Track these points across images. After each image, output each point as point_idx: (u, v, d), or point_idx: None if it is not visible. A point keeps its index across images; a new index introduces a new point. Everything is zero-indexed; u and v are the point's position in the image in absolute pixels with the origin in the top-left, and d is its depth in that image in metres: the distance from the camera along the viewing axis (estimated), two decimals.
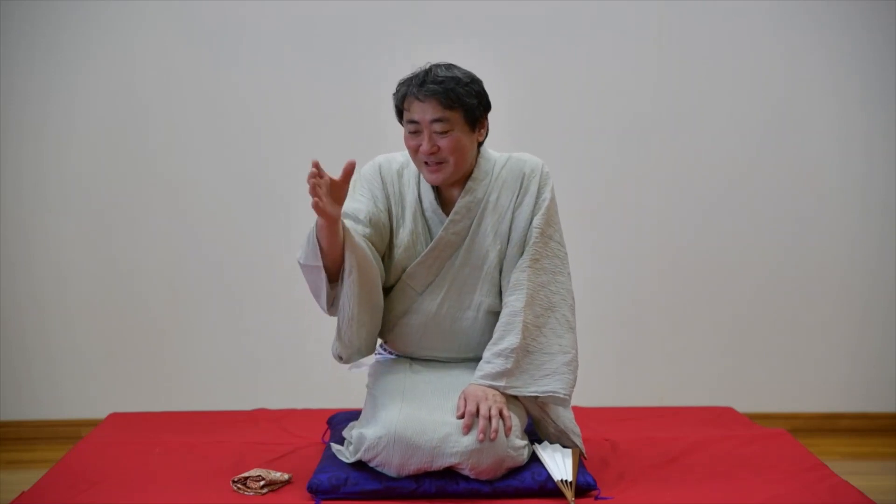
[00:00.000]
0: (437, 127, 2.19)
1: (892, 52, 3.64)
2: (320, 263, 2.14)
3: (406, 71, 2.24)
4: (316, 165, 2.01)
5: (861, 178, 3.72)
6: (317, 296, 2.23)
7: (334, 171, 2.06)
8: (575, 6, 3.65)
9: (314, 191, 2.00)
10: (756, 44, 3.67)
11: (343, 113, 3.64)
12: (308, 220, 2.20)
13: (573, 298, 2.32)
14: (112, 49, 3.62)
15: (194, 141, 3.67)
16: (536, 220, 2.28)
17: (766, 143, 3.71)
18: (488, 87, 2.27)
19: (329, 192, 2.03)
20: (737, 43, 3.67)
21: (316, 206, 2.01)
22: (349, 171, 2.07)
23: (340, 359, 2.32)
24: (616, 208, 3.74)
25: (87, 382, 3.74)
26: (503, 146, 2.43)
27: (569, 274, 2.32)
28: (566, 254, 2.33)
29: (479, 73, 2.27)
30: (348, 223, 2.20)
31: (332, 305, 2.24)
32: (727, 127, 3.71)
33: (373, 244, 2.27)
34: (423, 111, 2.18)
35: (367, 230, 2.26)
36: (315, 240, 2.11)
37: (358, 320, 2.23)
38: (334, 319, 2.27)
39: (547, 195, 2.30)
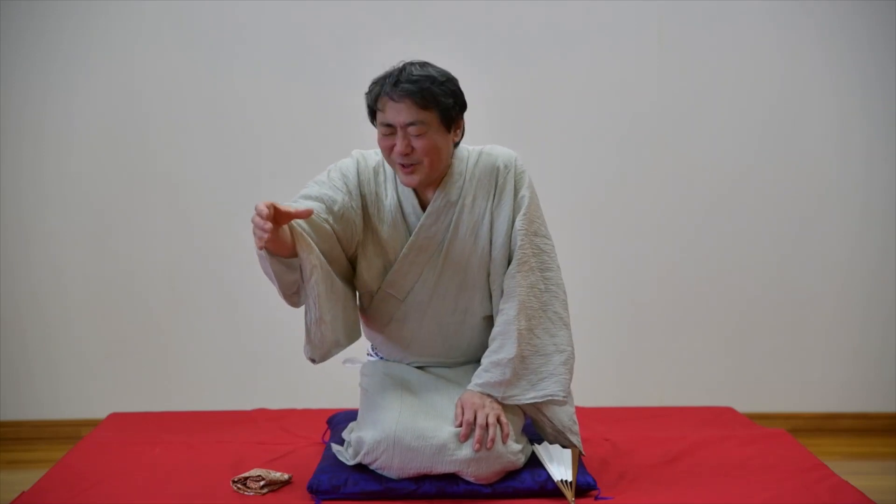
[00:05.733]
0: (413, 129, 2.11)
1: (892, 52, 3.63)
2: (269, 268, 2.05)
3: None
4: (269, 209, 1.89)
5: (861, 178, 3.72)
6: (269, 279, 2.11)
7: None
8: (574, 7, 3.64)
9: (262, 241, 1.90)
10: (756, 44, 3.67)
11: (342, 113, 3.63)
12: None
13: (564, 292, 2.26)
14: (112, 49, 3.61)
15: (194, 141, 3.67)
16: (519, 222, 2.21)
17: (766, 143, 3.71)
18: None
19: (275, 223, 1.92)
20: (737, 43, 3.67)
21: (260, 248, 1.93)
22: (305, 216, 1.98)
23: (313, 361, 2.21)
24: (616, 208, 3.73)
25: (87, 382, 3.74)
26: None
27: (558, 266, 2.26)
28: (553, 245, 2.26)
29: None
30: (319, 206, 2.13)
31: (289, 294, 2.12)
32: (727, 127, 3.70)
33: (339, 238, 2.18)
34: (398, 111, 2.10)
35: (338, 226, 2.16)
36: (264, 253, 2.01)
37: (327, 321, 2.13)
38: None
39: (525, 192, 2.23)
